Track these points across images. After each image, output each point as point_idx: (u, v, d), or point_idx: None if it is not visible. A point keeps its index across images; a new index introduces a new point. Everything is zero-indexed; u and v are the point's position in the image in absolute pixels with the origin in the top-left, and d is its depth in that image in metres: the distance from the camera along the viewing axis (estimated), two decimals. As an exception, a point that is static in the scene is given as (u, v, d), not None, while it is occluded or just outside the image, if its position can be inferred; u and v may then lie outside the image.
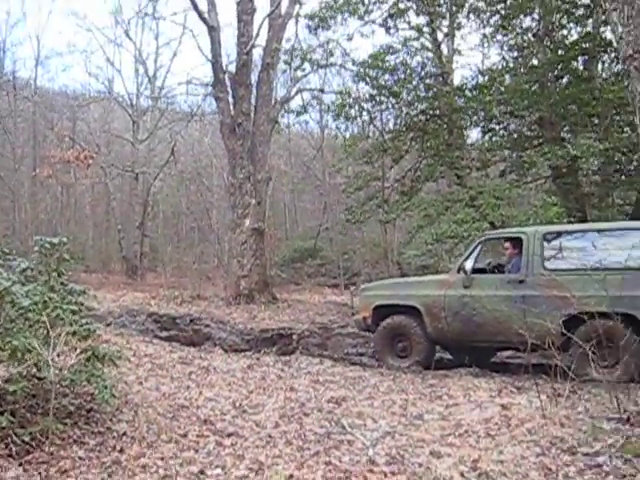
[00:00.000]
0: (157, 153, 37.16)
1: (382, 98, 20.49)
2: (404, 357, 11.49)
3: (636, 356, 8.47)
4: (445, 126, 20.03)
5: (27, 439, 5.88)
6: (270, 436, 6.80)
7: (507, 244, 11.60)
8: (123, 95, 38.20)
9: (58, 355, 6.48)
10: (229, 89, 22.44)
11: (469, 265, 10.99)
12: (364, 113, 21.74)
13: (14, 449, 5.76)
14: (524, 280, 10.42)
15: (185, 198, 38.36)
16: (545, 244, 10.51)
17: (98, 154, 33.37)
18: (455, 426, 7.17)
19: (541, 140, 18.65)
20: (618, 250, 9.92)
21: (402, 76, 19.81)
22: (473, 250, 11.30)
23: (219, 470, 5.81)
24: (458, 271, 11.18)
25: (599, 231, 10.58)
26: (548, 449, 6.29)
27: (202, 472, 5.74)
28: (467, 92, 19.47)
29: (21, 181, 34.72)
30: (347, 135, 25.63)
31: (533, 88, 18.66)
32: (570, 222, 14.99)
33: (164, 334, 15.66)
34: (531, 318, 9.48)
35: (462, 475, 5.70)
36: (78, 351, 6.84)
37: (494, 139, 20.49)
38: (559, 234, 10.79)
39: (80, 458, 5.87)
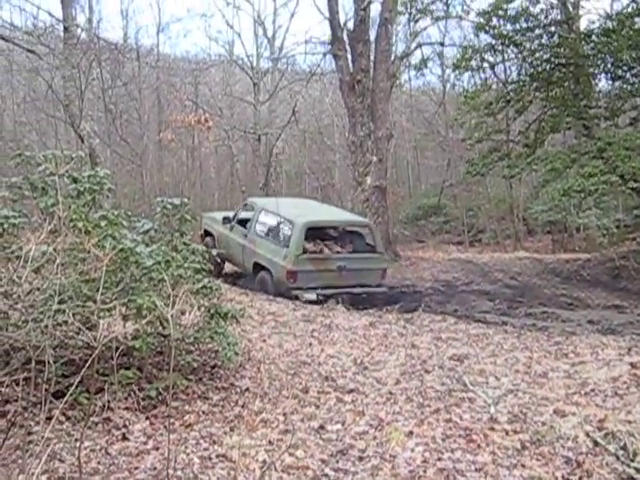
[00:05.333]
0: (278, 114, 37.38)
1: (504, 48, 19.86)
2: None
3: (262, 284, 14.43)
4: (571, 74, 19.20)
5: (153, 394, 6.08)
6: (390, 393, 6.79)
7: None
8: (243, 58, 38.52)
9: (182, 313, 6.64)
10: (347, 46, 22.29)
11: (232, 218, 16.25)
12: (485, 64, 21.16)
13: (141, 403, 5.97)
14: (247, 235, 15.39)
15: (307, 158, 38.55)
16: (260, 216, 15.44)
17: (221, 117, 33.91)
18: (581, 384, 6.97)
19: (675, 85, 17.69)
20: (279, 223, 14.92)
21: (524, 24, 19.09)
22: (238, 210, 16.66)
23: (339, 426, 5.84)
24: (228, 222, 16.34)
25: (275, 214, 15.14)
26: (681, 409, 6.04)
27: (322, 427, 5.79)
28: (594, 38, 18.53)
29: (147, 146, 35.67)
30: (469, 88, 24.99)
31: (666, 31, 17.68)
32: None
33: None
34: (247, 258, 15.22)
35: (587, 435, 5.54)
36: (202, 309, 7.01)
37: (624, 86, 19.49)
38: (269, 213, 15.47)
39: (204, 412, 6.03)
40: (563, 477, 4.83)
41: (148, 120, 36.61)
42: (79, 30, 23.34)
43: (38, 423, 4.96)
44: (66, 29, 21.23)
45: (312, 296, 13.93)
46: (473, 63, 20.64)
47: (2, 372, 4.74)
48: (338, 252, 15.00)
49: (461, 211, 32.53)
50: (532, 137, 20.32)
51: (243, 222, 16.03)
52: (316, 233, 15.22)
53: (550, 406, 6.28)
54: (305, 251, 14.26)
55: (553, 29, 19.46)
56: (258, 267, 14.82)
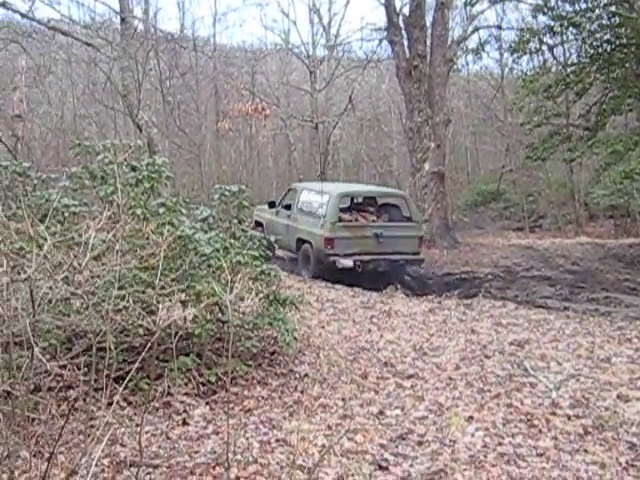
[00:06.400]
0: (335, 102, 37.29)
1: (563, 29, 19.46)
2: None
3: (304, 257, 15.50)
4: (632, 55, 18.70)
5: (213, 380, 6.12)
6: (450, 378, 6.74)
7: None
8: (299, 46, 38.52)
9: (241, 299, 6.68)
10: (403, 32, 22.08)
11: (277, 204, 17.43)
12: (544, 47, 20.79)
13: (201, 389, 6.03)
14: (290, 215, 16.40)
15: (365, 145, 38.37)
16: (301, 196, 16.38)
17: (278, 106, 33.97)
18: (645, 369, 6.84)
19: None
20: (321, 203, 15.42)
21: (584, 5, 18.67)
22: (284, 196, 17.71)
23: (398, 411, 5.82)
24: (274, 206, 17.49)
25: (314, 191, 16.07)
26: None
27: (381, 412, 5.77)
28: (658, 16, 18.05)
29: (205, 136, 35.90)
30: (527, 72, 24.59)
31: None
32: None
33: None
34: (290, 236, 15.77)
35: (653, 420, 5.44)
36: (260, 295, 7.04)
37: (689, 66, 18.97)
38: (309, 191, 16.47)
39: (263, 398, 6.05)
40: (627, 463, 4.75)
41: (206, 110, 36.81)
42: (136, 22, 23.63)
43: (100, 408, 5.01)
44: (123, 21, 21.51)
45: (349, 263, 14.47)
46: (531, 46, 20.26)
47: (64, 358, 4.82)
48: (374, 221, 15.85)
49: (521, 197, 32.03)
50: (593, 120, 19.93)
51: (288, 207, 17.01)
52: (354, 206, 16.58)
53: (613, 391, 6.18)
54: (341, 220, 15.15)
55: (614, 9, 18.97)
56: (300, 242, 15.73)
